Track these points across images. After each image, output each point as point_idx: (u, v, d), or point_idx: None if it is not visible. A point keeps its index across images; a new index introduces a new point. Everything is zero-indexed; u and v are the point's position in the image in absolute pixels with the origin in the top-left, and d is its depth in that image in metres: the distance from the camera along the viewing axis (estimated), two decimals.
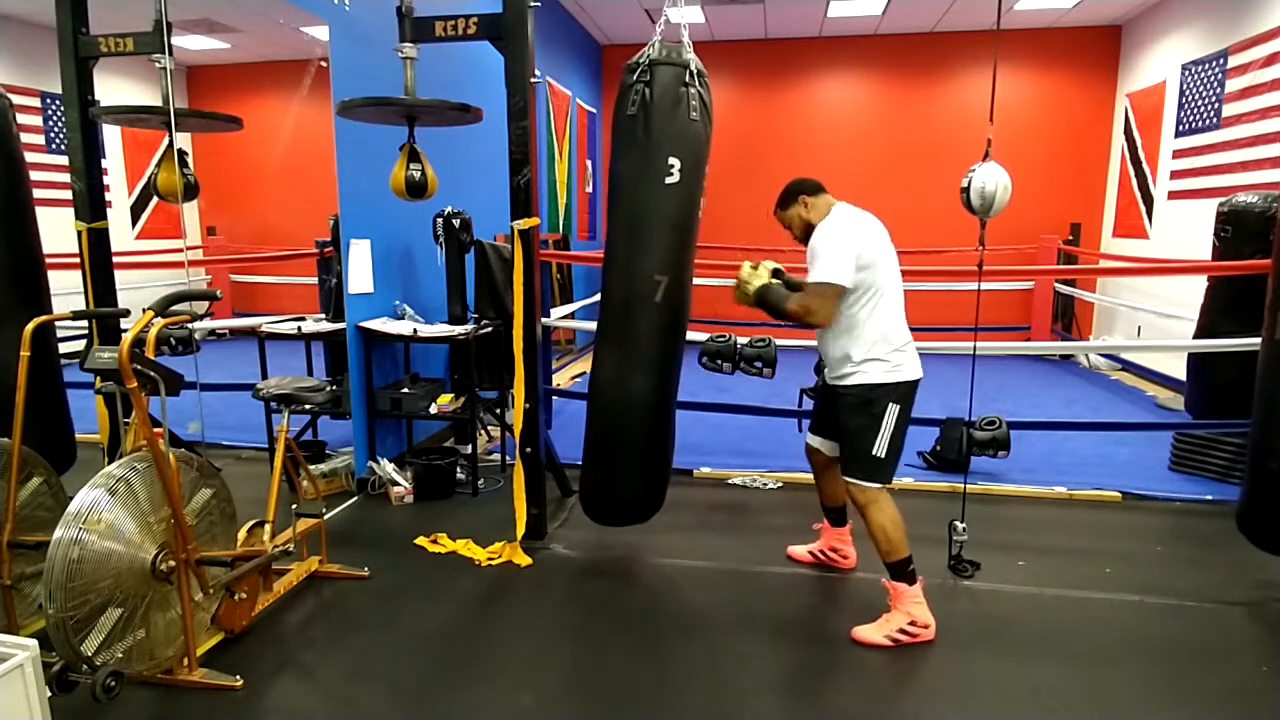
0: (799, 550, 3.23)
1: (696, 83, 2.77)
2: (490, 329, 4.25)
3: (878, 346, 2.56)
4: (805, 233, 2.70)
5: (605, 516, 3.13)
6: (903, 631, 2.56)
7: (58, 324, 2.88)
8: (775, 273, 2.73)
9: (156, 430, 2.19)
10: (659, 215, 2.82)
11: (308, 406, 3.04)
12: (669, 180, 2.77)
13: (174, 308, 2.35)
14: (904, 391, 2.59)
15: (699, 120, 2.79)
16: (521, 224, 3.22)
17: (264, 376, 4.11)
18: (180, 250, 4.88)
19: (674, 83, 2.74)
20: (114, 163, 4.94)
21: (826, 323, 2.56)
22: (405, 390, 4.04)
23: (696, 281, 3.14)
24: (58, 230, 3.38)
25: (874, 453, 2.58)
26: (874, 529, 2.61)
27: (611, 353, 2.93)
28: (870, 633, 2.59)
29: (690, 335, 3.18)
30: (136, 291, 4.19)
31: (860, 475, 2.62)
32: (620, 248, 2.90)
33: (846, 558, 3.12)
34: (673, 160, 2.76)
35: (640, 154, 2.78)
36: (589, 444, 3.03)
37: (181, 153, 3.24)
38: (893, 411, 2.57)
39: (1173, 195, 6.83)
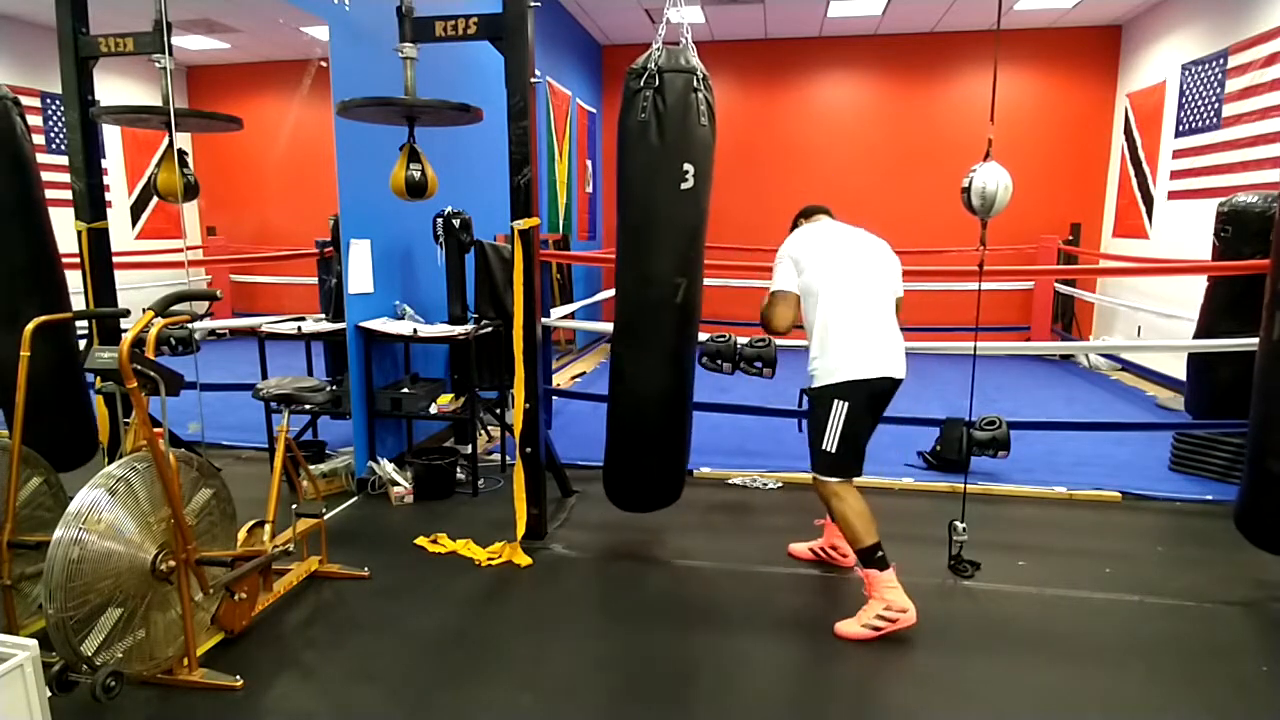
0: (799, 547, 3.26)
1: (703, 87, 2.83)
2: (490, 329, 4.25)
3: (824, 348, 2.67)
4: None
5: (631, 503, 3.27)
6: (880, 618, 2.57)
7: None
8: None
9: (156, 430, 2.19)
10: (677, 220, 2.89)
11: (308, 406, 3.04)
12: (684, 186, 2.83)
13: (174, 308, 2.35)
14: (850, 389, 2.64)
15: (706, 125, 2.86)
16: (521, 224, 3.22)
17: (264, 376, 4.11)
18: (180, 250, 4.88)
19: (684, 89, 2.79)
20: (114, 163, 4.93)
21: (780, 327, 2.76)
22: (405, 390, 4.04)
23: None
24: (58, 230, 3.38)
25: (824, 447, 2.67)
26: (837, 519, 2.71)
27: (634, 353, 3.03)
28: (850, 626, 2.61)
29: None
30: (136, 291, 4.18)
31: (818, 468, 2.73)
32: (638, 253, 2.95)
33: (846, 555, 3.12)
34: (687, 166, 2.81)
35: (654, 161, 2.82)
36: (618, 437, 3.14)
37: (181, 153, 3.25)
38: (839, 408, 2.64)
39: (1173, 195, 6.83)
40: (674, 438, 3.14)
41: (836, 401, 2.63)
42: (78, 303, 3.31)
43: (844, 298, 2.69)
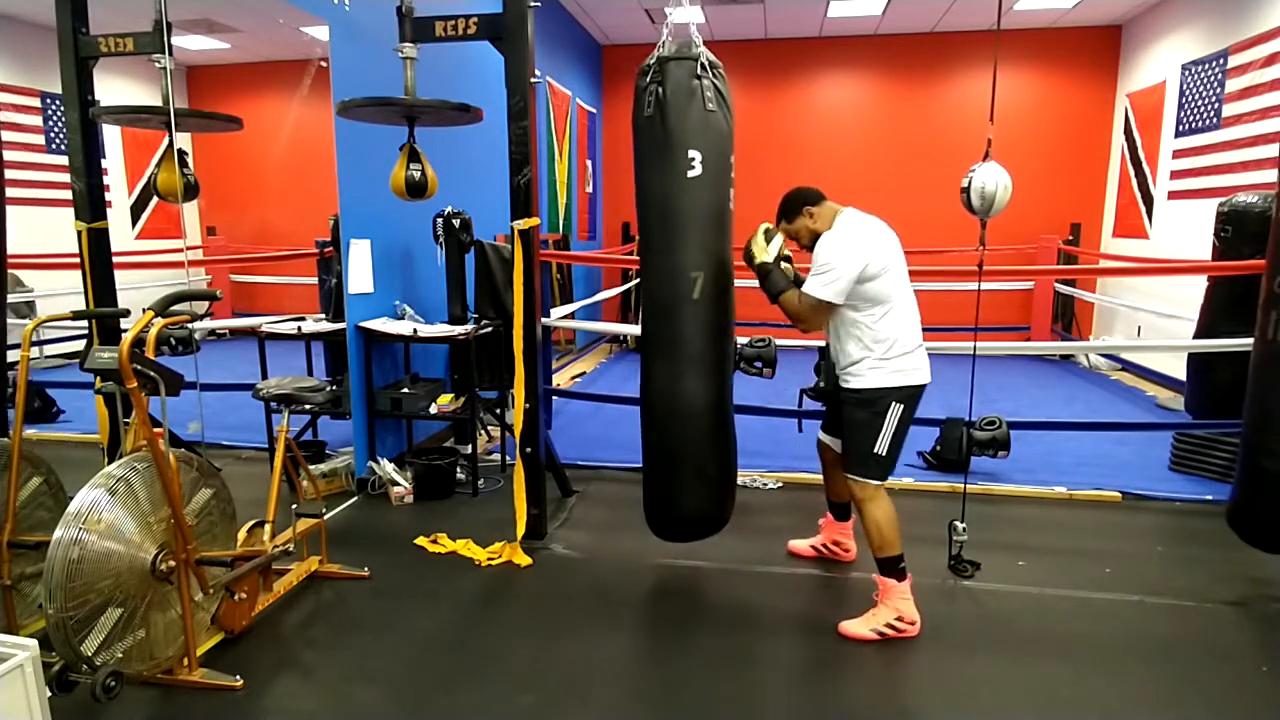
0: (800, 544, 3.26)
1: (710, 74, 2.75)
2: (490, 329, 4.25)
3: (886, 352, 2.59)
4: (813, 242, 2.70)
5: (672, 532, 2.99)
6: (890, 626, 2.60)
7: (59, 324, 2.87)
8: (783, 257, 2.79)
9: (156, 430, 2.19)
10: (686, 210, 2.77)
11: (308, 406, 3.04)
12: (691, 174, 2.74)
13: (174, 308, 2.35)
14: (908, 394, 2.62)
15: (716, 110, 2.76)
16: (521, 224, 3.22)
17: (264, 376, 4.11)
18: (180, 250, 4.89)
19: (686, 76, 2.71)
20: (114, 163, 4.93)
21: (811, 331, 2.66)
22: (405, 390, 4.04)
23: None
24: (58, 230, 3.38)
25: (875, 450, 2.62)
26: (869, 524, 2.65)
27: (659, 358, 2.85)
28: (857, 627, 2.62)
29: None
30: (136, 291, 4.19)
31: (861, 472, 2.66)
32: (652, 249, 2.84)
33: (848, 550, 3.17)
34: (693, 153, 2.73)
35: (661, 152, 2.75)
36: (647, 456, 2.93)
37: (181, 153, 3.24)
38: (895, 411, 2.60)
39: (1173, 195, 6.83)
40: (707, 454, 2.87)
41: (895, 404, 2.60)
42: (78, 303, 3.31)
43: (909, 299, 2.66)
